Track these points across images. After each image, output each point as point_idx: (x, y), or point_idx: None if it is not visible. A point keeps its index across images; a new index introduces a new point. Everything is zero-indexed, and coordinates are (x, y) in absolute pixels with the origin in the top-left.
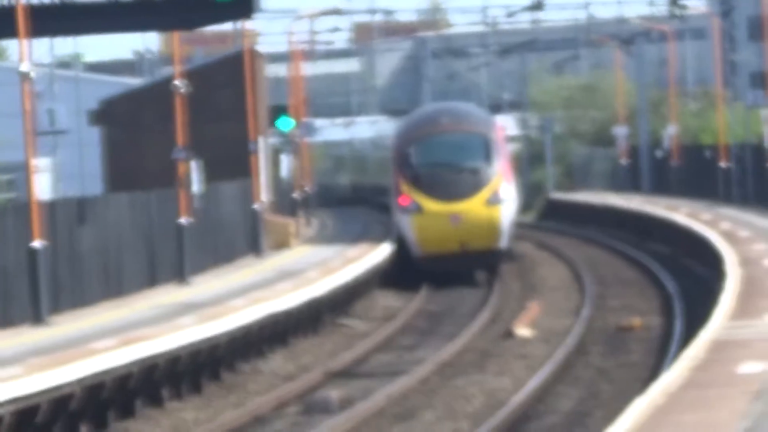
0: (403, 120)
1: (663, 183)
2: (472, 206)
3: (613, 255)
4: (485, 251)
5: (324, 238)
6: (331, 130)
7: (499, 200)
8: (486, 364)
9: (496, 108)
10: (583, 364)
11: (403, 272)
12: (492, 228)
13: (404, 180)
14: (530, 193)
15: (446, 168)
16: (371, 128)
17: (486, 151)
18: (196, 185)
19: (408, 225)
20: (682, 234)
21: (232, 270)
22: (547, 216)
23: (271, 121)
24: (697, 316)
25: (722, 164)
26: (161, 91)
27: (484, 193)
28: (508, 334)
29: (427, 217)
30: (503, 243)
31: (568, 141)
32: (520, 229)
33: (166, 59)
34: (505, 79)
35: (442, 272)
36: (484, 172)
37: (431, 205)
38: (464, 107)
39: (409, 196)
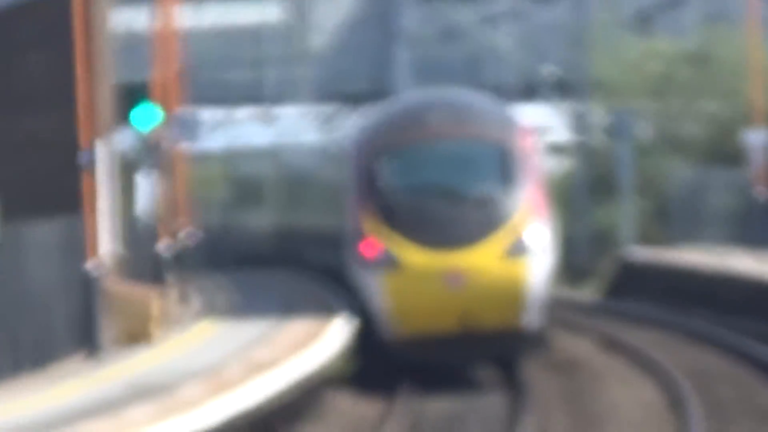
0: (365, 116)
1: None
2: (482, 259)
3: (737, 362)
4: (501, 332)
5: (213, 325)
6: (231, 131)
7: (526, 249)
8: None
9: (529, 93)
10: None
11: (366, 367)
12: (513, 294)
13: (369, 215)
14: (592, 247)
15: (439, 196)
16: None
17: (504, 169)
18: None
19: (376, 289)
20: None
21: (47, 382)
22: (622, 290)
23: (122, 113)
24: None
25: None
26: None
27: (502, 239)
28: None
29: (407, 275)
30: (531, 320)
31: (661, 155)
32: (573, 313)
33: None
34: (546, 39)
35: (430, 366)
36: (502, 204)
37: (415, 256)
38: (470, 97)
39: (377, 240)
